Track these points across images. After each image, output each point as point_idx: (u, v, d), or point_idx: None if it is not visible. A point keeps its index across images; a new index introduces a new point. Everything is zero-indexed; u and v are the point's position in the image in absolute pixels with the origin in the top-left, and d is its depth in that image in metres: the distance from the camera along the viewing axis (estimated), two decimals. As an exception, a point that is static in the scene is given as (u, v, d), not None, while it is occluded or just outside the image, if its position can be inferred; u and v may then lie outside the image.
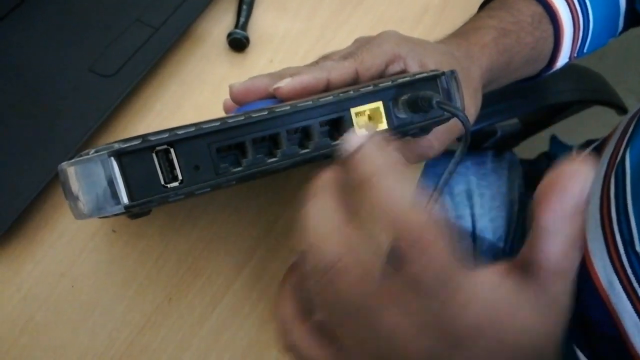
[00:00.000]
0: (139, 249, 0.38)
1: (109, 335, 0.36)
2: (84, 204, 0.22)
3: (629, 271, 0.42)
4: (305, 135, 0.26)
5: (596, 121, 0.92)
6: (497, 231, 0.61)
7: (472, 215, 0.62)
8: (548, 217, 0.19)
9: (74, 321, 0.36)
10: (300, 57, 0.49)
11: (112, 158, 0.21)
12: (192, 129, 0.22)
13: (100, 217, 0.24)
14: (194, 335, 0.36)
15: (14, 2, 0.44)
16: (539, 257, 0.20)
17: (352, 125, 0.26)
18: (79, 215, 0.23)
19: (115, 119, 0.42)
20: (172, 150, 0.22)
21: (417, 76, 0.28)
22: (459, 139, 0.36)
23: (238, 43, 0.47)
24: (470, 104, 0.37)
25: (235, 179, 0.24)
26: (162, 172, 0.22)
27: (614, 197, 0.45)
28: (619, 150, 0.47)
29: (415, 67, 0.33)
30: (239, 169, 0.24)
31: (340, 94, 0.26)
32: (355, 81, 0.32)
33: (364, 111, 0.27)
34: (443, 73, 0.29)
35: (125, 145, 0.21)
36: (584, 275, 0.47)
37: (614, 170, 0.46)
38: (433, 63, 0.34)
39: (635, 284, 0.41)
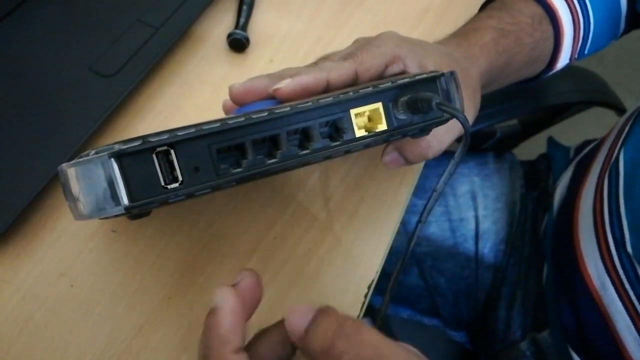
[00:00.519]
0: (138, 249, 0.38)
1: (108, 334, 0.36)
2: (84, 205, 0.22)
3: (621, 272, 0.42)
4: (305, 136, 0.26)
5: (592, 122, 0.92)
6: (500, 233, 0.61)
7: (476, 217, 0.62)
8: None
9: (73, 321, 0.36)
10: (301, 57, 0.49)
11: (113, 159, 0.21)
12: (192, 130, 0.22)
13: (100, 218, 0.24)
14: (194, 334, 0.36)
15: (16, 1, 0.44)
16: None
17: (351, 125, 0.27)
18: (79, 216, 0.23)
19: (116, 119, 0.42)
20: (172, 151, 0.22)
21: (417, 77, 0.28)
22: (458, 140, 0.36)
23: (238, 43, 0.47)
24: (470, 104, 0.37)
25: (235, 180, 0.24)
26: (162, 173, 0.22)
27: (607, 198, 0.45)
28: (614, 151, 0.47)
29: (414, 68, 0.33)
30: (239, 170, 0.24)
31: (340, 95, 0.26)
32: (354, 82, 0.32)
33: (364, 112, 0.27)
34: (442, 74, 0.29)
35: (126, 147, 0.21)
36: (577, 278, 0.47)
37: (608, 171, 0.46)
38: (432, 64, 0.34)
39: (627, 285, 0.41)
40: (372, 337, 0.23)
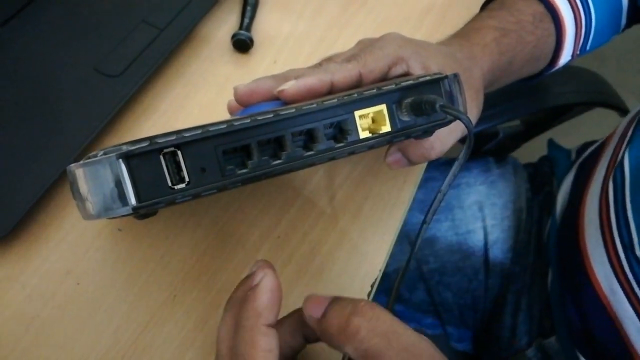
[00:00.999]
0: (144, 247, 0.38)
1: (114, 332, 0.36)
2: (92, 205, 0.23)
3: (630, 276, 0.41)
4: (309, 137, 0.26)
5: (593, 123, 0.92)
6: (508, 241, 0.61)
7: (484, 228, 0.61)
8: None
9: (79, 319, 0.36)
10: (304, 58, 0.49)
11: (121, 160, 0.21)
12: (199, 131, 0.23)
13: (108, 218, 0.24)
14: (199, 332, 0.37)
15: (22, 2, 0.44)
16: None
17: (356, 127, 0.27)
18: (86, 215, 0.24)
19: (121, 119, 0.43)
20: (179, 152, 0.22)
21: (421, 79, 0.28)
22: (461, 141, 0.36)
23: (242, 44, 0.47)
24: (472, 104, 0.38)
25: (241, 181, 0.24)
26: (169, 174, 0.22)
27: (613, 202, 0.44)
28: (618, 153, 0.47)
29: (418, 69, 0.34)
30: (245, 170, 0.24)
31: (345, 97, 0.26)
32: (358, 83, 0.32)
33: (368, 114, 0.27)
34: (446, 76, 0.30)
35: (134, 148, 0.21)
36: (584, 283, 0.46)
37: (613, 173, 0.46)
38: (435, 65, 0.34)
39: (637, 289, 0.41)
40: (386, 315, 0.25)
